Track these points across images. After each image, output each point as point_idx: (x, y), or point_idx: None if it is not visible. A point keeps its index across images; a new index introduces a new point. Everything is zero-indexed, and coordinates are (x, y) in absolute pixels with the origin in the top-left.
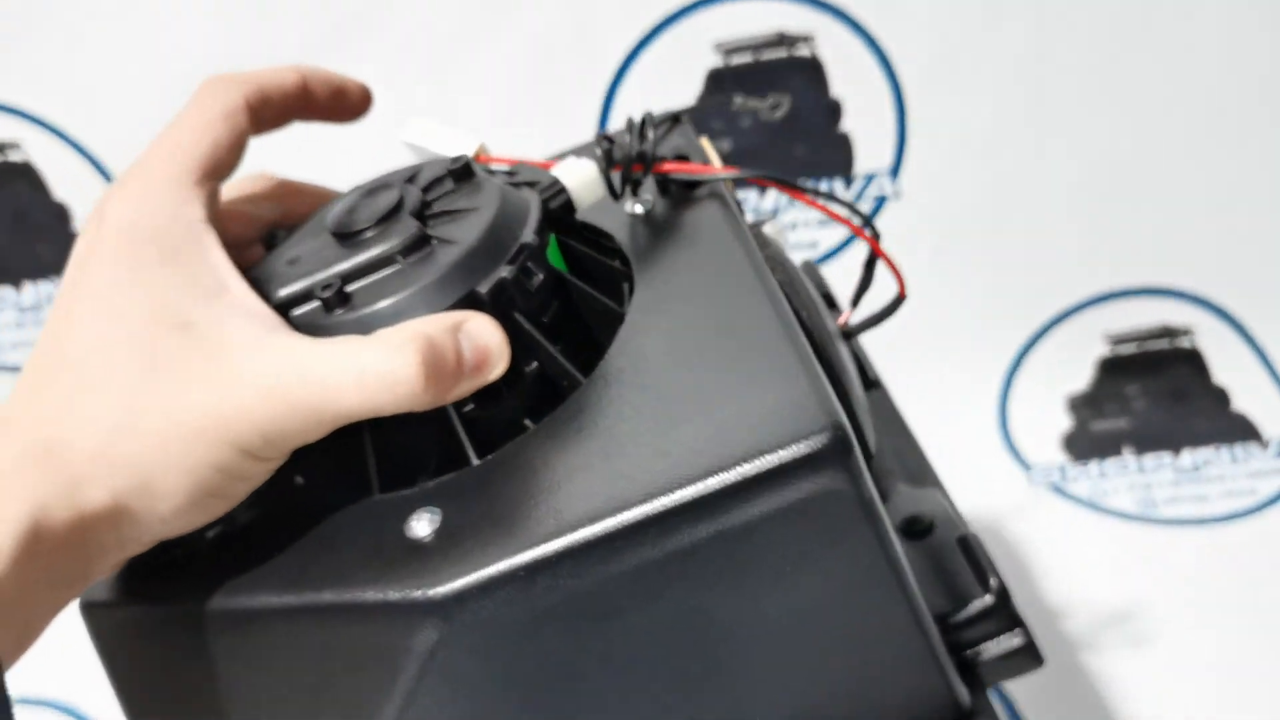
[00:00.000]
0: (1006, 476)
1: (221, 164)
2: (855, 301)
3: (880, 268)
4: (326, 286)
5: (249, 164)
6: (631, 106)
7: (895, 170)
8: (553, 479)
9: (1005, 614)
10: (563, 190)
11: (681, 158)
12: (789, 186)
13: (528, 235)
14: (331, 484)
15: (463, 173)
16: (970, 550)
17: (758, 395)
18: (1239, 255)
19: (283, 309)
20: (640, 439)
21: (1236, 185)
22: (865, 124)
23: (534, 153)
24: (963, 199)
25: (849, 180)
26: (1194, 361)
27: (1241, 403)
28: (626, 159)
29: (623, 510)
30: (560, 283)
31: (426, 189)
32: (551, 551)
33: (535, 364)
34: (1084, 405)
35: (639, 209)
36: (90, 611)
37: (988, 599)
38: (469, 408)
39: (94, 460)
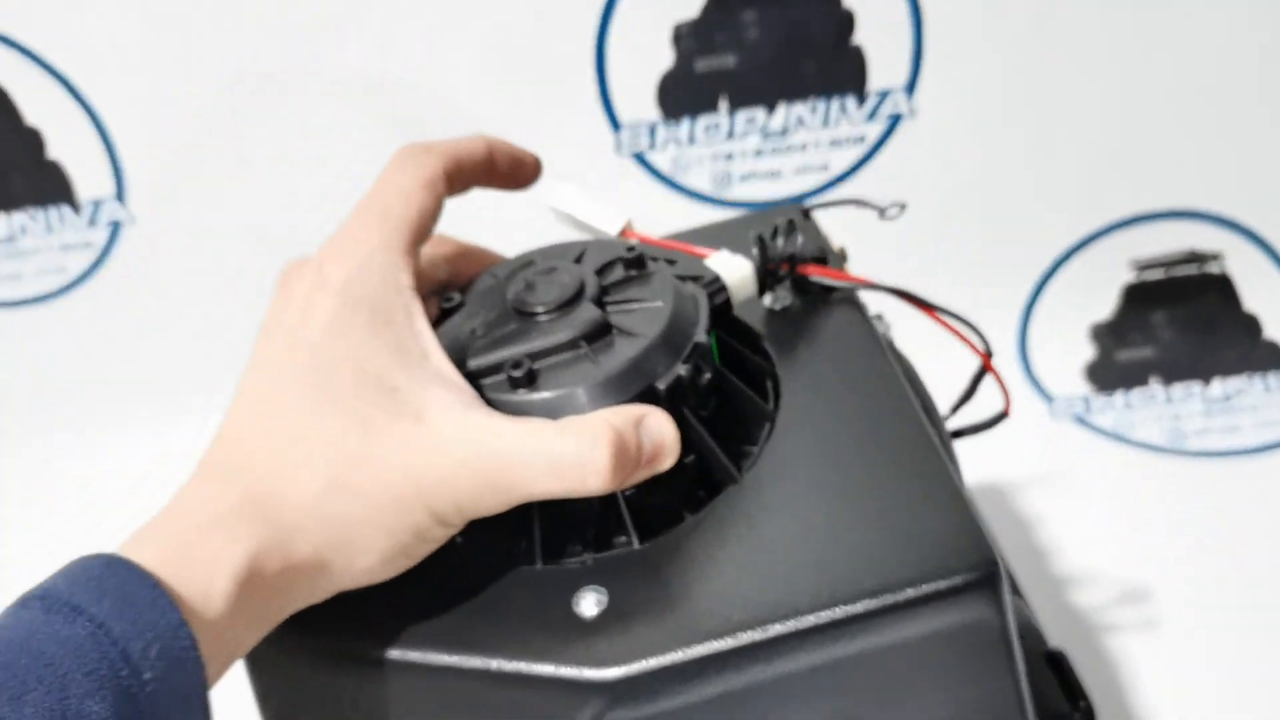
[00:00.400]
0: (1027, 408)
1: (424, 231)
2: (956, 408)
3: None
4: (517, 365)
5: None
6: (632, 18)
7: (911, 87)
8: (715, 575)
9: None
10: (724, 288)
11: (820, 260)
12: (920, 303)
13: (699, 335)
14: (491, 547)
15: (635, 262)
16: (1062, 668)
17: (915, 518)
18: (1270, 176)
19: (470, 379)
20: (801, 547)
21: (1268, 104)
22: (879, 38)
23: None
24: (982, 117)
25: (862, 98)
26: (1223, 288)
27: (1274, 330)
28: (777, 259)
29: (787, 619)
30: (720, 378)
31: (599, 271)
32: (716, 650)
33: (694, 456)
34: (1108, 334)
35: (776, 305)
36: None
37: (1076, 717)
38: (630, 492)
39: (306, 515)
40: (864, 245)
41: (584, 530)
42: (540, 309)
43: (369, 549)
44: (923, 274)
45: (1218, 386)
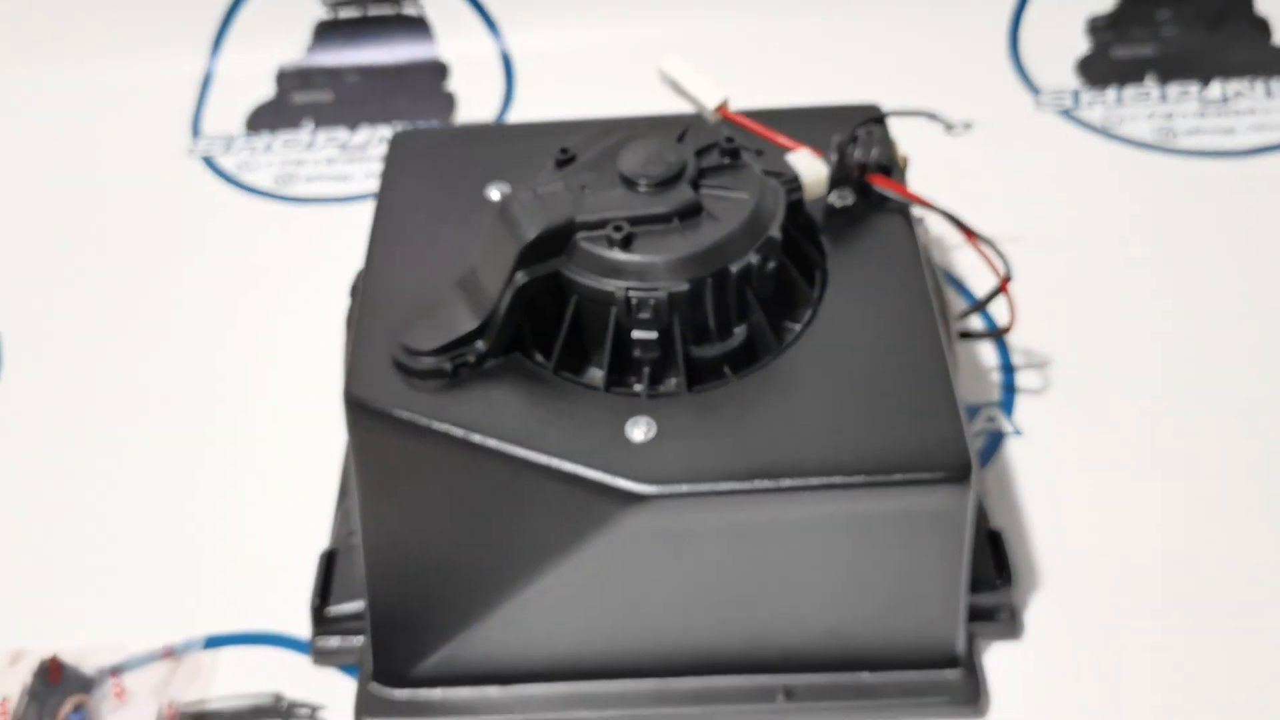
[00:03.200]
0: (1013, 99)
1: None
2: (967, 314)
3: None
4: (619, 228)
5: None
6: None
7: None
8: (746, 429)
9: (1010, 602)
10: (799, 188)
11: (884, 169)
12: (963, 228)
13: (774, 230)
14: (564, 367)
15: (732, 152)
16: (998, 547)
17: (917, 416)
18: None
19: (574, 229)
20: (819, 420)
21: None
22: None
23: None
24: None
25: None
26: None
27: None
28: (851, 167)
29: (796, 476)
30: (781, 267)
31: (699, 153)
32: (734, 489)
33: (745, 327)
34: (1106, 28)
35: (838, 203)
36: (355, 408)
37: (1003, 589)
38: (690, 348)
39: None
40: None
41: (642, 367)
42: (644, 181)
43: None
44: None
45: (1216, 88)
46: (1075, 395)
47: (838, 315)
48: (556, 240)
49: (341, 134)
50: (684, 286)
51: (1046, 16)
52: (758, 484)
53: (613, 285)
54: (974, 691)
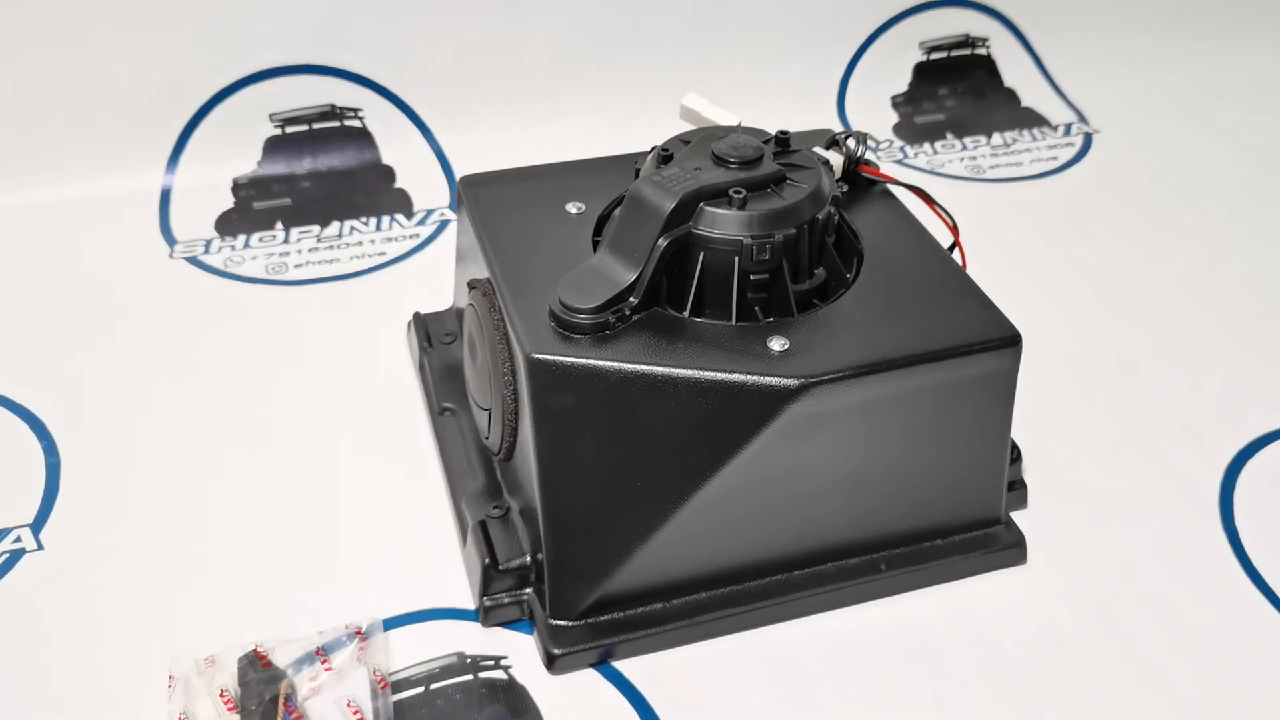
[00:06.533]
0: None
1: None
2: None
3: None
4: (739, 191)
5: None
6: None
7: None
8: (853, 334)
9: (1020, 476)
10: (831, 168)
11: (870, 164)
12: (926, 198)
13: (835, 190)
14: (705, 310)
15: (783, 142)
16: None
17: (970, 310)
18: None
19: (697, 197)
20: (904, 321)
21: None
22: None
23: None
24: None
25: None
26: (988, 66)
27: (1029, 100)
28: (853, 159)
29: (898, 353)
30: (840, 221)
31: (765, 143)
32: (862, 370)
33: (822, 269)
34: (905, 104)
35: (838, 191)
36: (538, 369)
37: (1015, 464)
38: (794, 285)
39: None
40: None
41: (754, 306)
42: (738, 161)
43: None
44: (757, 41)
45: (999, 137)
46: None
47: (878, 258)
48: (688, 208)
49: (314, 228)
50: (791, 231)
51: (861, 99)
52: (877, 364)
53: (738, 235)
54: (1018, 540)
